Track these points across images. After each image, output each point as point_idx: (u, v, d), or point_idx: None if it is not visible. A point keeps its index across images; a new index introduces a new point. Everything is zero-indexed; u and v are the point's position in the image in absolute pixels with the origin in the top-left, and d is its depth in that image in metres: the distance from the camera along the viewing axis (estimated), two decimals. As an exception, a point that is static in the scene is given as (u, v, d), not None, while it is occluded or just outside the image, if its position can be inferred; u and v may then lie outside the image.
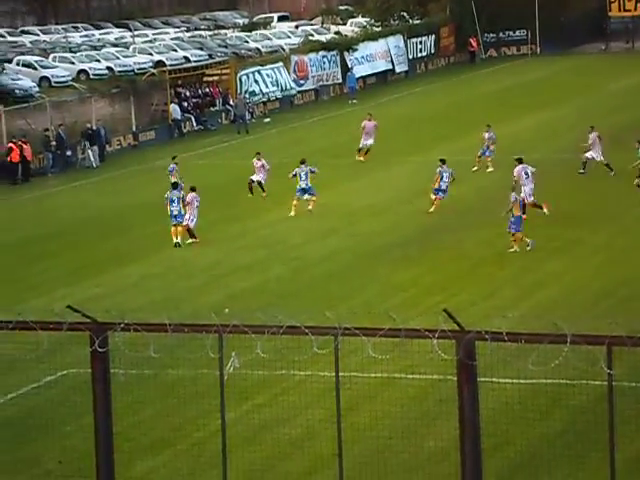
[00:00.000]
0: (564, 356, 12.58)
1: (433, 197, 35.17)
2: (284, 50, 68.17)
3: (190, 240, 33.25)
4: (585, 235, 31.21)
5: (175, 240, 33.04)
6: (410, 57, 74.74)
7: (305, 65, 66.09)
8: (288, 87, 64.36)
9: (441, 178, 35.16)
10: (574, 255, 29.32)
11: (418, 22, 78.17)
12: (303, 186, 35.64)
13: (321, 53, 67.43)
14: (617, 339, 12.24)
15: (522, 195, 32.28)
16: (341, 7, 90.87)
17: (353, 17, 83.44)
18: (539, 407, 18.06)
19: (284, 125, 58.06)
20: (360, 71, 69.16)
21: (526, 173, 33.43)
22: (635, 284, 26.14)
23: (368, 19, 79.40)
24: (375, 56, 71.16)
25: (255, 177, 39.27)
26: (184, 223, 33.25)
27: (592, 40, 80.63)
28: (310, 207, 35.68)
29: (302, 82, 65.80)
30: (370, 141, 44.30)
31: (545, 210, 33.08)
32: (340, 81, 68.07)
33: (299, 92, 65.47)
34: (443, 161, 35.61)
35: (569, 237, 31.01)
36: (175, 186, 34.57)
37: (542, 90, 61.58)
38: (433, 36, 77.10)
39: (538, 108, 55.17)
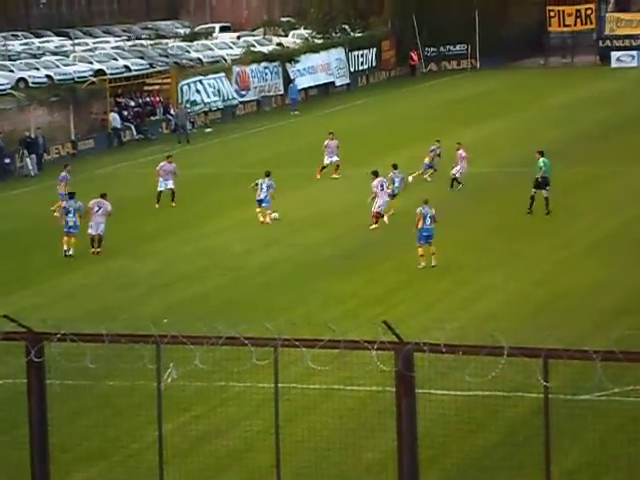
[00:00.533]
0: (501, 368, 12.66)
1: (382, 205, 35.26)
2: (226, 60, 68.08)
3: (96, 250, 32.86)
4: (524, 248, 31.48)
5: (66, 250, 32.55)
6: (352, 70, 75.00)
7: (247, 76, 66.06)
8: (230, 97, 64.27)
9: (393, 182, 35.75)
10: (512, 267, 29.54)
11: (360, 35, 78.50)
12: (261, 197, 35.88)
13: (263, 64, 67.44)
14: (553, 352, 12.34)
15: (375, 206, 34.47)
16: (283, 19, 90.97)
17: (295, 29, 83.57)
18: (476, 419, 18.15)
19: (225, 135, 57.96)
20: (302, 83, 69.27)
21: (381, 186, 34.80)
22: (573, 297, 26.41)
23: (310, 31, 79.61)
24: (317, 68, 71.33)
25: (162, 187, 39.26)
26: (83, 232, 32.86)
27: (531, 55, 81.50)
28: (267, 220, 35.82)
29: (244, 93, 65.76)
30: (335, 158, 44.05)
31: (386, 219, 34.78)
32: (282, 92, 68.13)
33: (241, 103, 65.42)
34: (395, 166, 36.65)
35: (507, 249, 31.25)
36: (72, 196, 34.07)
37: (482, 104, 62.10)
38: (374, 49, 77.46)
39: (478, 122, 55.60)
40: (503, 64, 78.82)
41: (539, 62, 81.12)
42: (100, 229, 32.92)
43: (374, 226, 34.33)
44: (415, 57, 79.60)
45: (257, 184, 35.98)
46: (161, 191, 39.37)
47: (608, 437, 17.18)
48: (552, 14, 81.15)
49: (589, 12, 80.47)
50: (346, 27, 79.14)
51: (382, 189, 34.68)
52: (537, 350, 12.36)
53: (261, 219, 35.85)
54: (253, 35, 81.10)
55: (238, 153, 51.73)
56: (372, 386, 18.62)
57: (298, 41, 76.76)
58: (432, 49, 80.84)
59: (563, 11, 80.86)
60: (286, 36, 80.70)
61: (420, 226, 29.51)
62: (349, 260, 31.02)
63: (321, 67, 71.64)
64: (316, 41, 75.64)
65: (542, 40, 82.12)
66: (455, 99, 64.89)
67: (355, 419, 18.92)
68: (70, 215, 32.82)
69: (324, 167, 43.66)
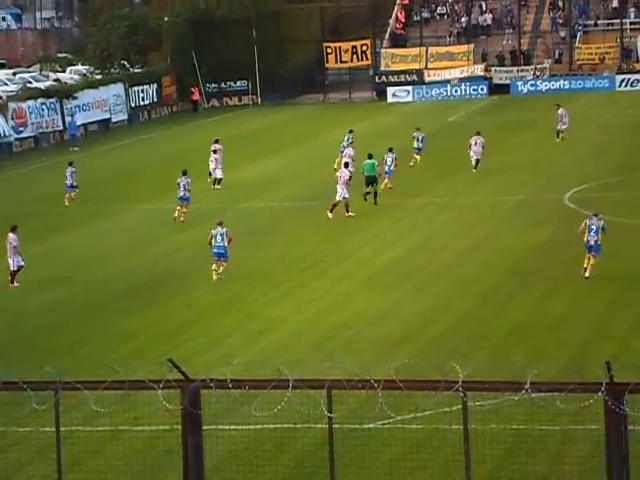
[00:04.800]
0: (287, 401, 12.75)
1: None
2: (1, 97, 66.48)
3: None
4: (308, 280, 31.88)
5: None
6: (132, 105, 74.50)
7: (24, 112, 64.73)
8: (5, 134, 62.74)
9: (386, 163, 43.57)
10: (299, 300, 29.86)
11: (139, 71, 78.14)
12: (181, 195, 40.09)
13: (40, 100, 66.27)
14: (336, 382, 12.51)
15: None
16: (60, 54, 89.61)
17: (73, 65, 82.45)
18: (265, 452, 18.19)
19: (2, 173, 56.46)
20: (81, 118, 68.45)
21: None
22: (356, 326, 26.89)
23: (88, 67, 78.69)
24: (95, 104, 70.68)
25: None
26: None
27: (311, 91, 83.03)
28: (182, 218, 39.77)
29: (21, 129, 64.35)
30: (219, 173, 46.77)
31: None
32: (61, 128, 67.06)
33: (18, 139, 63.95)
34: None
35: (294, 282, 31.59)
36: None
37: (265, 139, 62.74)
38: (155, 85, 77.24)
39: (262, 157, 56.11)
40: (284, 100, 79.95)
41: (319, 98, 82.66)
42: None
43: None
44: (196, 93, 79.77)
45: (178, 184, 39.93)
46: None
47: (393, 465, 17.52)
48: (329, 50, 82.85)
49: (365, 48, 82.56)
50: (125, 63, 78.64)
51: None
52: (321, 381, 12.51)
53: (175, 215, 39.75)
54: (29, 71, 79.53)
55: (17, 190, 50.45)
56: (159, 425, 18.39)
57: (76, 77, 75.76)
58: (213, 85, 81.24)
59: (339, 47, 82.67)
60: (64, 72, 79.53)
61: (213, 244, 31.62)
62: (138, 296, 30.63)
63: (97, 103, 71.01)
64: (95, 77, 74.87)
65: (320, 76, 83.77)
66: (238, 134, 65.30)
67: (142, 460, 18.62)
68: None
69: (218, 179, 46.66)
